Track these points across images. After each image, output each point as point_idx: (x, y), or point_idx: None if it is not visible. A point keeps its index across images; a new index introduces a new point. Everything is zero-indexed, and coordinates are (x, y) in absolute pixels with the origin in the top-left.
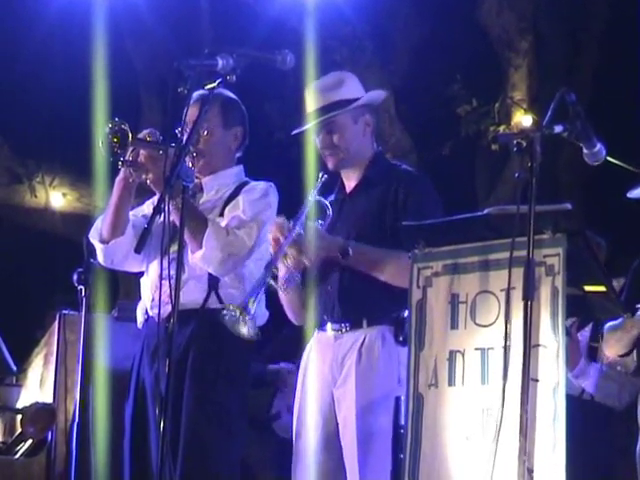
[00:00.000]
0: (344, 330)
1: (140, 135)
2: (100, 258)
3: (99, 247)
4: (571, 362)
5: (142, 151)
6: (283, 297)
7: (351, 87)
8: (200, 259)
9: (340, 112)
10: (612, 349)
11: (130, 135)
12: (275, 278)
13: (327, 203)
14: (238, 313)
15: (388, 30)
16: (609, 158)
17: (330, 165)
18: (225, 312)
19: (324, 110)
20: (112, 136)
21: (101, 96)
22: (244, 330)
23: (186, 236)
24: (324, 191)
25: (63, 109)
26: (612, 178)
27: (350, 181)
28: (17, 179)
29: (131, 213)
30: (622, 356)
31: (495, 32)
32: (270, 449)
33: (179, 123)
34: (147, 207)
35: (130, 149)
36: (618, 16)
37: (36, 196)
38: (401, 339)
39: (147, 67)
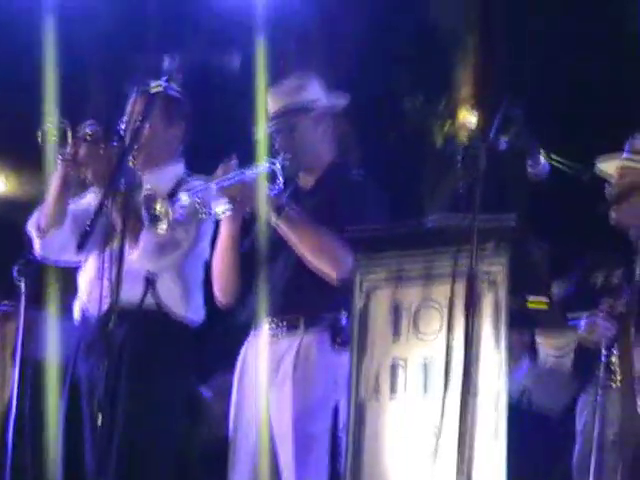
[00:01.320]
0: (281, 335)
1: (81, 130)
2: (37, 248)
3: (36, 238)
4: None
5: (82, 147)
6: (217, 271)
7: (313, 90)
8: (137, 257)
9: (299, 117)
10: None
11: (69, 133)
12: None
13: (279, 172)
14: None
15: (336, 21)
16: (552, 157)
17: (287, 173)
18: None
19: (285, 113)
20: (51, 132)
21: (48, 80)
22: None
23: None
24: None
25: (5, 92)
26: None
27: (305, 181)
28: None
29: (71, 205)
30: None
31: (443, 27)
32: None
33: (122, 119)
34: (88, 199)
35: (70, 145)
36: None
37: None
38: (338, 342)
39: (93, 51)
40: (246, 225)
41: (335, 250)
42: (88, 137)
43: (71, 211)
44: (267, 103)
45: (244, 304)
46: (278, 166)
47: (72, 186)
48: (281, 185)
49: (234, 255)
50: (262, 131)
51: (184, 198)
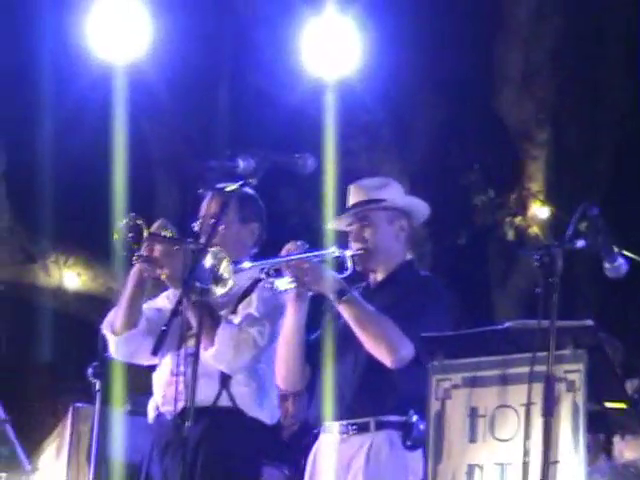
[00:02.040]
0: (351, 433)
1: (155, 229)
2: (112, 350)
3: (111, 339)
4: None
5: (157, 246)
6: (281, 355)
7: (394, 191)
8: (212, 357)
9: (376, 207)
10: (633, 451)
11: (145, 231)
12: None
13: (349, 259)
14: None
15: (406, 118)
16: (627, 253)
17: (357, 266)
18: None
19: (362, 205)
20: (127, 231)
21: (117, 178)
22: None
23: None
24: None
25: (78, 189)
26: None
27: (376, 277)
28: (30, 258)
29: (145, 306)
30: None
31: (513, 122)
32: None
33: (196, 219)
34: (161, 300)
35: (145, 244)
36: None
37: (50, 275)
38: (409, 444)
39: (163, 150)
40: (315, 317)
41: (393, 338)
42: (163, 236)
43: (145, 312)
44: (347, 196)
45: (311, 403)
46: (348, 254)
47: (146, 286)
48: (348, 273)
49: (298, 340)
50: (332, 224)
51: (247, 264)
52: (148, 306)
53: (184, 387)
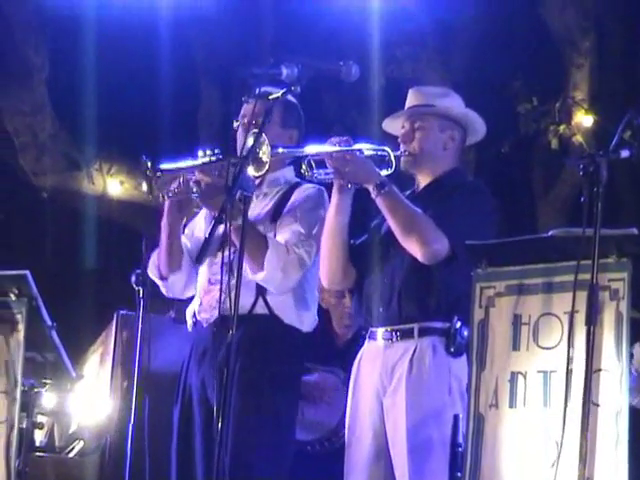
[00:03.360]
0: (395, 339)
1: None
2: (163, 291)
3: (159, 283)
4: None
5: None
6: (324, 251)
7: (454, 101)
8: (262, 280)
9: (430, 111)
10: None
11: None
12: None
13: (392, 159)
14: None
15: (450, 26)
16: None
17: (402, 167)
18: None
19: (417, 108)
20: (150, 176)
21: (161, 84)
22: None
23: (245, 256)
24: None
25: (122, 97)
26: None
27: (421, 182)
28: (75, 166)
29: (183, 236)
30: None
31: (557, 30)
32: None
33: (236, 123)
34: (198, 228)
35: (176, 182)
36: None
37: (94, 183)
38: (452, 350)
39: (207, 56)
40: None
41: (426, 231)
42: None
43: (185, 246)
44: (406, 99)
45: (357, 309)
46: (392, 153)
47: (180, 225)
48: (391, 171)
49: (341, 238)
50: (385, 124)
51: (294, 150)
52: (188, 232)
53: (222, 295)
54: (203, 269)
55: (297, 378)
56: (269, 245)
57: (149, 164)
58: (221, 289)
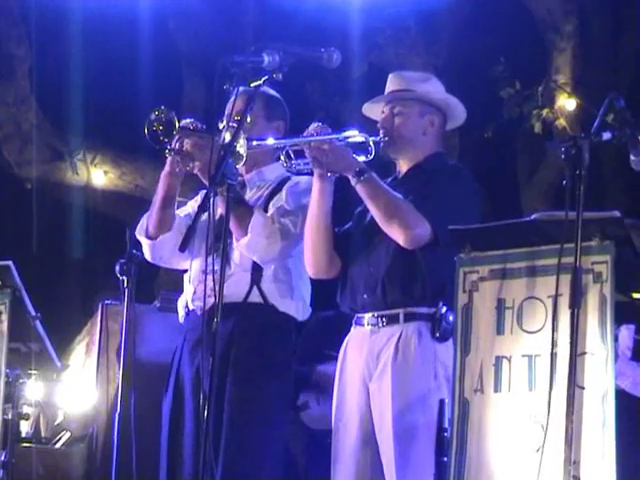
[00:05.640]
0: (381, 325)
1: (183, 123)
2: (147, 254)
3: (146, 243)
4: None
5: (188, 140)
6: (308, 239)
7: (434, 87)
8: (245, 246)
9: (409, 95)
10: None
11: (177, 124)
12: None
13: (371, 146)
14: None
15: (432, 11)
16: None
17: (381, 153)
18: None
19: (398, 92)
20: (158, 124)
21: (144, 74)
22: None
23: (232, 225)
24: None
25: (105, 86)
26: None
27: (402, 168)
28: (58, 156)
29: (177, 211)
30: None
31: (540, 14)
32: (299, 441)
33: (222, 114)
34: (190, 206)
35: (176, 138)
36: None
37: (77, 173)
38: (438, 335)
39: (190, 45)
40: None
41: (407, 216)
42: (194, 129)
43: (177, 217)
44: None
45: (342, 295)
46: (372, 139)
47: (179, 185)
48: (370, 157)
49: (324, 225)
50: (365, 108)
51: (270, 141)
52: (179, 212)
53: (214, 283)
54: (196, 260)
55: (291, 366)
56: (254, 212)
57: (167, 111)
58: (213, 278)
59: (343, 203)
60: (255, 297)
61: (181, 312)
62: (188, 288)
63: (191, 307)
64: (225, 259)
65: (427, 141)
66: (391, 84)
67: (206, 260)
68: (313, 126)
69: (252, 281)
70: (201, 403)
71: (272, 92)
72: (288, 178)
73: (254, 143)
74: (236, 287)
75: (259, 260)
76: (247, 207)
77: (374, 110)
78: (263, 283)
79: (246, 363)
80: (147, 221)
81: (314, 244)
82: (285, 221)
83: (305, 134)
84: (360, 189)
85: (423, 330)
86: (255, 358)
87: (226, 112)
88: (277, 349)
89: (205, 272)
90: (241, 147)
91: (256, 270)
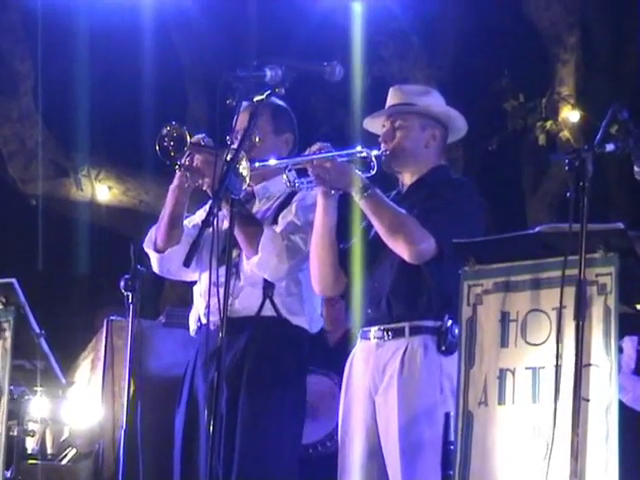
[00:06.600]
0: (386, 338)
1: (194, 140)
2: (155, 267)
3: (154, 256)
4: None
5: (198, 155)
6: (314, 256)
7: (434, 100)
8: (256, 265)
9: (410, 109)
10: None
11: (188, 139)
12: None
13: (374, 161)
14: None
15: (435, 25)
16: None
17: (384, 167)
18: None
19: (399, 106)
20: (169, 139)
21: (148, 90)
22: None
23: (241, 242)
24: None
25: (109, 102)
26: None
27: (405, 182)
28: (63, 172)
29: (185, 222)
30: None
31: (543, 26)
32: None
33: (228, 132)
34: (199, 216)
35: (186, 153)
36: None
37: (82, 189)
38: (443, 348)
39: (193, 61)
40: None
41: (412, 231)
42: (204, 145)
43: (186, 228)
44: (387, 97)
45: (348, 310)
46: (374, 153)
47: (187, 199)
48: (373, 172)
49: (329, 242)
50: (366, 123)
51: (272, 162)
52: (188, 222)
53: (219, 299)
54: (206, 273)
55: (304, 378)
56: (264, 230)
57: (178, 127)
58: (224, 292)
59: (347, 219)
60: (268, 311)
61: (192, 326)
62: (199, 301)
63: (204, 321)
64: (233, 273)
65: (429, 154)
66: (392, 98)
67: (217, 273)
68: (316, 146)
69: (264, 295)
70: (207, 418)
71: (279, 102)
72: (297, 190)
73: (257, 165)
74: (249, 301)
75: (269, 278)
76: (256, 224)
77: (375, 124)
78: (275, 297)
79: (260, 376)
80: (155, 234)
81: (319, 260)
82: (296, 238)
83: (307, 152)
84: (364, 205)
85: (429, 343)
86: (269, 371)
87: (234, 128)
88: (290, 362)
89: (217, 285)
90: (244, 169)
91: (268, 283)
